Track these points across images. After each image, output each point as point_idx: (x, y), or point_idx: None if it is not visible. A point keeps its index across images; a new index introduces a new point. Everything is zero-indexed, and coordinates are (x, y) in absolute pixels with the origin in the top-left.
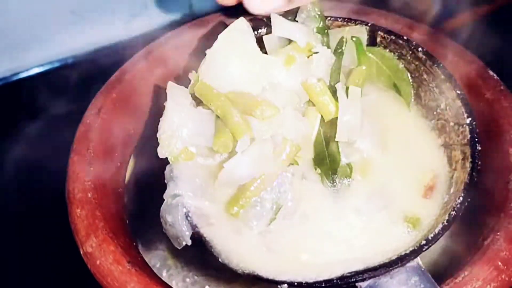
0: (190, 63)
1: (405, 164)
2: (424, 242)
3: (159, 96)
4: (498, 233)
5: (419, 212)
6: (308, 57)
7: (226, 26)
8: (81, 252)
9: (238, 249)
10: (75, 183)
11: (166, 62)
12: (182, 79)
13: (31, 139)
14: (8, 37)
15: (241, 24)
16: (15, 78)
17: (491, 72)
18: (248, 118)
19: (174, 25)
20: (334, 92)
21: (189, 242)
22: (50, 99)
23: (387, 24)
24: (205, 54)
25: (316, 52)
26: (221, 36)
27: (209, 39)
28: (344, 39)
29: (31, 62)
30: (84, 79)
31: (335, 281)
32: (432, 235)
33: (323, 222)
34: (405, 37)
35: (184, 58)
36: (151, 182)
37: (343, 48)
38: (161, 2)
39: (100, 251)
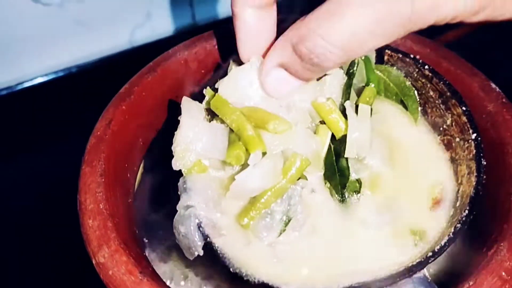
0: (198, 76)
1: (412, 178)
2: (430, 254)
3: (167, 108)
4: (502, 244)
5: (426, 225)
6: (320, 78)
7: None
8: (94, 262)
9: (248, 260)
10: (87, 194)
11: (174, 75)
12: (190, 92)
13: (36, 149)
14: (13, 46)
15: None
16: (19, 87)
17: (493, 85)
18: (261, 132)
19: (177, 35)
20: (344, 111)
21: (201, 253)
22: (54, 108)
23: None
24: (214, 68)
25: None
26: (251, 62)
27: (218, 52)
28: (356, 60)
29: (35, 72)
30: (88, 88)
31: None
32: (438, 247)
33: (332, 234)
34: (411, 55)
35: (192, 71)
36: (160, 193)
37: (355, 69)
38: (164, 12)
39: (112, 261)
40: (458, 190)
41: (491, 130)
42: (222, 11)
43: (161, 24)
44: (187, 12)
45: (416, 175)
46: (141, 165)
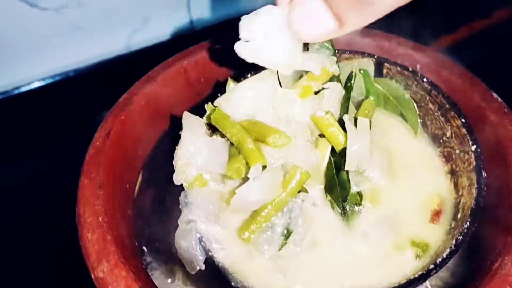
0: (197, 85)
1: (412, 190)
2: (432, 266)
3: (166, 118)
4: (506, 258)
5: (426, 237)
6: (319, 92)
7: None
8: (93, 277)
9: (250, 273)
10: (85, 207)
11: (173, 84)
12: (189, 102)
13: (34, 153)
14: (10, 50)
15: (271, 72)
16: (16, 91)
17: (494, 95)
18: (261, 146)
19: (175, 40)
20: (343, 124)
21: (203, 267)
22: (51, 112)
23: (391, 46)
24: (213, 80)
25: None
26: (252, 78)
27: (218, 61)
28: (354, 74)
29: (32, 76)
30: (85, 93)
31: None
32: (440, 259)
33: (333, 247)
34: (410, 69)
35: (191, 80)
36: (160, 204)
37: (352, 82)
38: (161, 17)
39: (112, 276)
40: (459, 202)
41: (493, 140)
42: (220, 15)
43: (158, 28)
44: (184, 17)
45: (415, 188)
46: (140, 175)
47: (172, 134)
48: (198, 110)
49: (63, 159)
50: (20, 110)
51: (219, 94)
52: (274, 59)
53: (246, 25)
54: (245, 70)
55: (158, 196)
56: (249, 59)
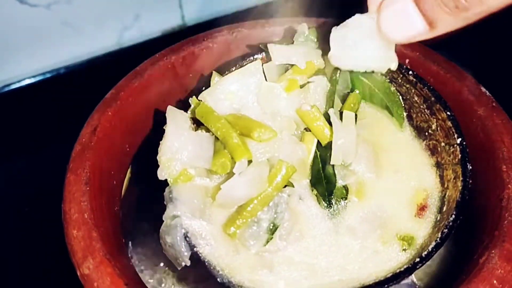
0: (186, 81)
1: (398, 184)
2: (418, 260)
3: (154, 114)
4: (493, 251)
5: (412, 231)
6: (304, 85)
7: (222, 44)
8: (78, 274)
9: (236, 269)
10: (71, 204)
11: (161, 79)
12: (177, 97)
13: (25, 150)
14: (0, 48)
15: (256, 66)
16: (6, 89)
17: (483, 89)
18: (247, 140)
19: (166, 36)
20: (329, 118)
21: (188, 263)
22: (42, 110)
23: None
24: (201, 75)
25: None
26: (236, 72)
27: (206, 57)
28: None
29: (23, 73)
30: (76, 89)
31: None
32: (425, 253)
33: (319, 242)
34: None
35: (180, 75)
36: (147, 200)
37: (337, 76)
38: (153, 13)
39: (97, 273)
40: (445, 195)
41: (481, 134)
42: (211, 12)
43: (150, 25)
44: (176, 13)
45: (401, 182)
46: (128, 171)
47: (160, 130)
48: (186, 106)
49: (55, 156)
50: (11, 107)
51: (203, 88)
52: (371, 64)
53: (337, 38)
54: (231, 65)
55: (147, 192)
56: (346, 68)
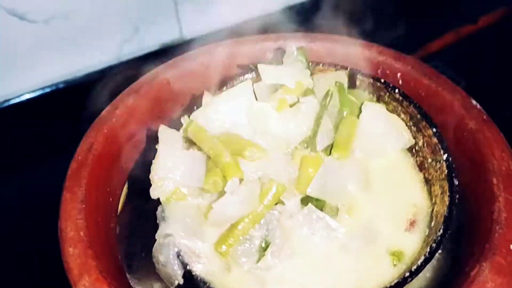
0: (181, 97)
1: (388, 200)
2: (407, 274)
3: (149, 131)
4: (484, 264)
5: (403, 246)
6: (294, 104)
7: (217, 59)
8: None
9: (229, 286)
10: (67, 222)
11: (157, 96)
12: (173, 114)
13: (24, 166)
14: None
15: (247, 86)
16: (6, 104)
17: (474, 102)
18: (238, 159)
19: (165, 49)
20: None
21: (181, 281)
22: (42, 124)
23: (371, 55)
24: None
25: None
26: (227, 92)
27: (201, 72)
28: (330, 92)
29: (22, 88)
30: (76, 104)
31: None
32: (415, 267)
33: (311, 258)
34: (382, 80)
35: (175, 91)
36: (144, 216)
37: (328, 101)
38: (151, 26)
39: None
40: (433, 210)
41: (472, 147)
42: (209, 25)
43: (148, 38)
44: (174, 27)
45: (391, 197)
46: (125, 187)
47: (155, 146)
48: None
49: (54, 171)
50: (10, 122)
51: (195, 108)
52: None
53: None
54: (224, 82)
55: (143, 209)
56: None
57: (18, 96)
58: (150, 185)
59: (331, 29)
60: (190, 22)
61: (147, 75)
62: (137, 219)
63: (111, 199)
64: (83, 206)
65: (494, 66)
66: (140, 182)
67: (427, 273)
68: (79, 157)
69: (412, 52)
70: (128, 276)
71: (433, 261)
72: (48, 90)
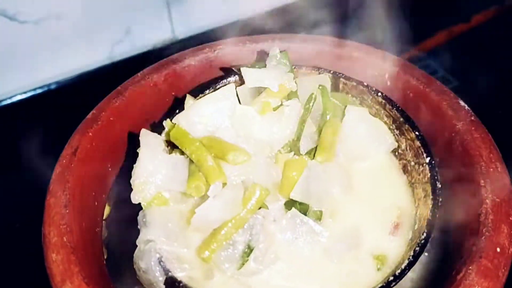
0: (168, 99)
1: (372, 203)
2: (391, 278)
3: (134, 134)
4: (470, 267)
5: (387, 249)
6: (277, 108)
7: (203, 61)
8: None
9: None
10: (51, 227)
11: (143, 98)
12: (159, 116)
13: (17, 167)
14: None
15: (230, 90)
16: None
17: (462, 103)
18: (221, 163)
19: (157, 49)
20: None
21: None
22: (34, 125)
23: (360, 55)
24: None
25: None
26: (210, 95)
27: (188, 74)
28: (314, 96)
29: (13, 89)
30: (68, 104)
31: None
32: (398, 271)
33: (295, 263)
34: (365, 83)
35: (162, 94)
36: (130, 220)
37: (311, 104)
38: (143, 27)
39: None
40: (416, 213)
41: (460, 148)
42: (201, 25)
43: (141, 38)
44: (166, 27)
45: (376, 200)
46: (110, 192)
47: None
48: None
49: (45, 172)
50: (1, 123)
51: (177, 111)
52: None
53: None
54: (207, 86)
55: (129, 213)
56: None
57: (10, 98)
58: None
59: (321, 29)
60: (182, 22)
61: (133, 78)
62: (123, 223)
63: (96, 203)
64: (67, 211)
65: (487, 64)
66: (125, 186)
67: (414, 275)
68: (64, 161)
69: (405, 51)
70: (112, 282)
71: (421, 263)
72: (40, 91)
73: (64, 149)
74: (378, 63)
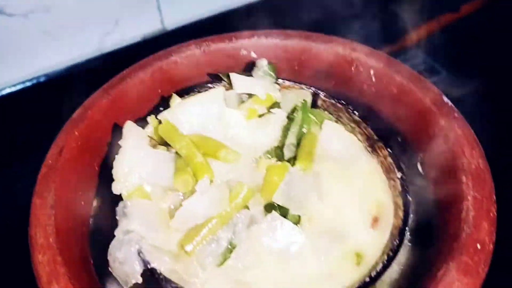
0: (155, 96)
1: (351, 199)
2: (367, 279)
3: (121, 133)
4: (451, 264)
5: (367, 245)
6: (262, 115)
7: (190, 58)
8: None
9: (192, 284)
10: (37, 228)
11: (129, 96)
12: (141, 115)
13: (5, 162)
14: None
15: (219, 93)
16: None
17: (445, 99)
18: (209, 160)
19: (146, 41)
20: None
21: (140, 280)
22: (23, 118)
23: (345, 52)
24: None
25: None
26: (199, 96)
27: (174, 72)
28: (298, 107)
29: (2, 83)
30: (57, 97)
31: None
32: (374, 273)
33: (274, 264)
34: (342, 102)
35: (148, 91)
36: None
37: (295, 115)
38: (133, 18)
39: None
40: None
41: (444, 145)
42: (191, 15)
43: (130, 30)
44: (155, 18)
45: (354, 195)
46: (96, 191)
47: None
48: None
49: (35, 167)
50: None
51: (161, 108)
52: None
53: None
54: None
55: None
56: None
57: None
58: None
59: (308, 23)
60: (171, 13)
61: (119, 75)
62: (110, 221)
63: (83, 203)
64: (53, 211)
65: (476, 54)
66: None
67: (395, 274)
68: (50, 161)
69: (393, 41)
70: (100, 280)
71: (401, 261)
72: (29, 84)
73: (50, 149)
74: (363, 58)
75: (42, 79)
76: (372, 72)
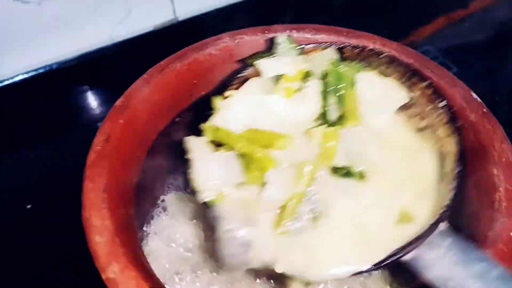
0: (191, 87)
1: (405, 163)
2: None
3: (163, 120)
4: (487, 251)
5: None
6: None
7: (224, 51)
8: (103, 277)
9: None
10: (91, 210)
11: (168, 86)
12: (184, 104)
13: (18, 149)
14: None
15: (253, 84)
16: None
17: (474, 95)
18: (269, 151)
19: (158, 31)
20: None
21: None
22: (35, 105)
23: (375, 47)
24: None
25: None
26: (236, 94)
27: (210, 63)
28: (328, 70)
29: (15, 70)
30: (69, 85)
31: (389, 258)
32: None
33: (347, 223)
34: (369, 47)
35: (185, 82)
36: (157, 205)
37: (328, 78)
38: (145, 7)
39: (122, 277)
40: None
41: (474, 139)
42: (203, 6)
43: (142, 20)
44: (168, 7)
45: (406, 161)
46: (139, 178)
47: (168, 134)
48: (192, 112)
49: (49, 153)
50: (3, 103)
51: (205, 113)
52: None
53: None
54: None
55: (156, 197)
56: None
57: (12, 78)
58: (162, 174)
59: (321, 17)
60: (183, 3)
61: (157, 66)
62: (152, 207)
63: (128, 189)
64: (105, 195)
65: (485, 51)
66: (153, 171)
67: None
68: (98, 147)
69: (403, 37)
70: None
71: None
72: (41, 71)
73: (96, 136)
74: (392, 54)
75: (54, 67)
76: (373, 48)
